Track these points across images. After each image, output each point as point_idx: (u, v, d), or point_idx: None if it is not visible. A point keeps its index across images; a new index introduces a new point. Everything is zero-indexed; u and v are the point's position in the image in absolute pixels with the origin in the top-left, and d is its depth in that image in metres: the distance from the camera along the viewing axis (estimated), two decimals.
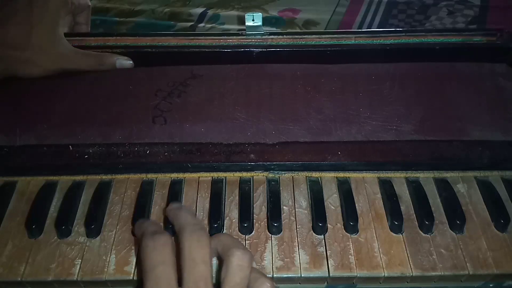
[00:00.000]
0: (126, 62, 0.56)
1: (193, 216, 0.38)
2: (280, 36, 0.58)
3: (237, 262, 0.35)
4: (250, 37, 0.57)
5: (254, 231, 0.45)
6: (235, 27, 0.81)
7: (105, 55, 0.56)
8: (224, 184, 0.48)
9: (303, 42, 0.57)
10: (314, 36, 0.57)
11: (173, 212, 0.39)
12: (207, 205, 0.47)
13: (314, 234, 0.45)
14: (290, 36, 0.58)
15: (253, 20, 0.56)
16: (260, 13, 0.56)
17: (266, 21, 0.78)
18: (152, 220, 0.41)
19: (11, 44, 0.53)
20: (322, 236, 0.44)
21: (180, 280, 0.35)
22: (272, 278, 0.42)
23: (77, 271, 0.42)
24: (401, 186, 0.48)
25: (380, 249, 0.43)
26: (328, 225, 0.45)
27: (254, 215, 0.46)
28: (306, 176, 0.49)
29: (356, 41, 0.56)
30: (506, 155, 0.48)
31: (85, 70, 0.55)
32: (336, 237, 0.44)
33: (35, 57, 0.53)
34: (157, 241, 0.35)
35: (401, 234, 0.45)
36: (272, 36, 0.58)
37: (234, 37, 0.58)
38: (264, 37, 0.57)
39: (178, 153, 0.48)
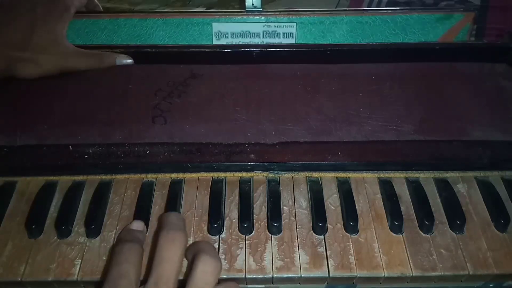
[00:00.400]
0: (126, 60, 0.56)
1: (178, 218, 0.40)
2: (277, 12, 0.58)
3: (201, 268, 0.36)
4: (249, 13, 0.58)
5: (254, 231, 0.45)
6: None
7: (105, 54, 0.56)
8: (224, 184, 0.48)
9: (298, 18, 0.57)
10: (308, 12, 0.58)
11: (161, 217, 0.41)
12: (207, 205, 0.46)
13: (314, 234, 0.45)
14: (286, 12, 0.58)
15: (252, 4, 0.58)
16: None
17: None
18: (134, 230, 0.42)
19: (13, 44, 0.53)
20: (322, 236, 0.44)
21: None
22: (272, 278, 0.42)
23: (77, 271, 0.42)
24: (401, 186, 0.48)
25: (380, 249, 0.43)
26: (328, 225, 0.45)
27: (254, 215, 0.46)
28: (306, 176, 0.49)
29: (346, 16, 0.57)
30: (506, 155, 0.48)
31: (86, 69, 0.55)
32: (336, 237, 0.44)
33: (36, 57, 0.53)
34: (126, 245, 0.37)
35: (401, 234, 0.45)
36: (270, 12, 0.58)
37: (233, 11, 0.58)
38: (262, 12, 0.58)
39: (178, 153, 0.48)
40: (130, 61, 0.56)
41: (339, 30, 0.57)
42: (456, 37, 0.58)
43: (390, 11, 0.58)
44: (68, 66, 0.54)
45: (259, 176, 0.49)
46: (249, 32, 0.58)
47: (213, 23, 0.57)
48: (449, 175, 0.49)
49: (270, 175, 0.49)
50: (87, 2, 0.63)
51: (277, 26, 0.57)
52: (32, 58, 0.53)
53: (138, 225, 0.43)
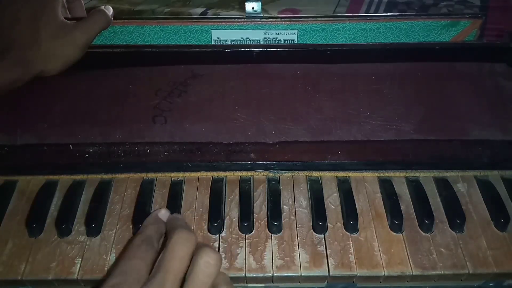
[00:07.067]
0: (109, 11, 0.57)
1: (186, 223, 0.40)
2: (278, 19, 0.58)
3: (205, 259, 0.35)
4: (249, 19, 0.58)
5: (254, 230, 0.45)
6: None
7: (97, 10, 0.56)
8: (224, 183, 0.49)
9: (299, 24, 0.57)
10: (310, 18, 0.57)
11: (171, 219, 0.41)
12: (207, 204, 0.47)
13: (314, 233, 0.45)
14: (287, 19, 0.58)
15: (253, 8, 0.58)
16: (260, 1, 0.57)
17: None
18: (160, 220, 0.41)
19: (25, 45, 0.51)
20: (322, 235, 0.44)
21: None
22: (272, 277, 0.42)
23: (77, 270, 0.42)
24: (401, 185, 0.48)
25: (380, 248, 0.43)
26: (328, 224, 0.45)
27: (254, 214, 0.46)
28: (306, 176, 0.49)
29: (350, 23, 0.57)
30: (506, 154, 0.48)
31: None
32: (336, 236, 0.44)
33: (53, 47, 0.52)
34: (144, 244, 0.37)
35: (401, 233, 0.45)
36: (270, 19, 0.58)
37: (234, 19, 0.58)
38: (262, 19, 0.58)
39: (178, 152, 0.48)
40: (111, 10, 0.57)
41: (341, 38, 0.56)
42: None
43: (394, 17, 0.56)
44: (83, 42, 0.54)
45: (259, 175, 0.49)
46: (249, 40, 0.57)
47: (212, 31, 0.57)
48: (449, 174, 0.49)
49: (270, 174, 0.49)
50: (73, 6, 0.62)
51: (278, 34, 0.57)
52: (49, 51, 0.52)
53: (165, 213, 0.42)
